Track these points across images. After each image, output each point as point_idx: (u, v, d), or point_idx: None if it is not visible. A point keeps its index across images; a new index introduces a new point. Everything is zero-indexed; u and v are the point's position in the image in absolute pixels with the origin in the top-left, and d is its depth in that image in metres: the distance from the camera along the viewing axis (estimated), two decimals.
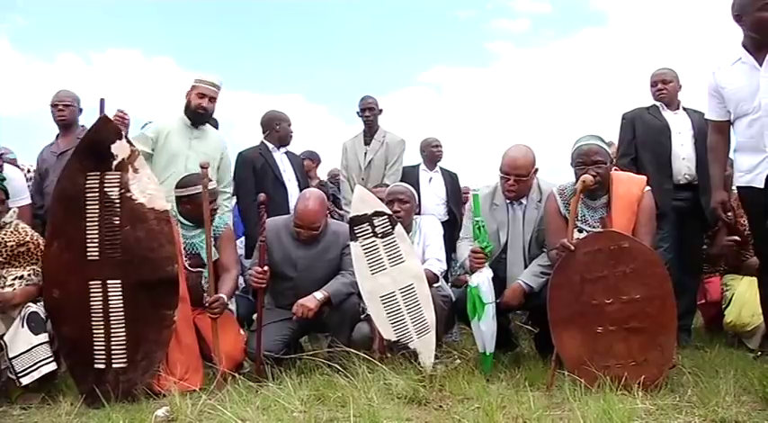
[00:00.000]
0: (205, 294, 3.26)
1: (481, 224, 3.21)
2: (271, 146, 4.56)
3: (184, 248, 3.35)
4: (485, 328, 3.11)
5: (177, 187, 3.43)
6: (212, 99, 4.11)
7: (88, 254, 2.93)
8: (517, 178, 3.36)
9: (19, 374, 2.85)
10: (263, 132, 4.63)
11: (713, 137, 3.19)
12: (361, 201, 3.25)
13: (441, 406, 2.64)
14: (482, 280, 3.12)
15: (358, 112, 5.11)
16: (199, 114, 4.10)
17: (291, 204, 4.29)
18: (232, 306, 3.52)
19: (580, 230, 3.09)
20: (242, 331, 3.54)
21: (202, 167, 3.27)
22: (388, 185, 4.19)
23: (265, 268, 3.28)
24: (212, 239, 3.29)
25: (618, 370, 2.71)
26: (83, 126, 4.14)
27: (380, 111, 5.12)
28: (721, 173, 3.17)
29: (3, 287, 3.01)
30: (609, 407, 2.32)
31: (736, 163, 3.07)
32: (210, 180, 3.41)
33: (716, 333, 4.08)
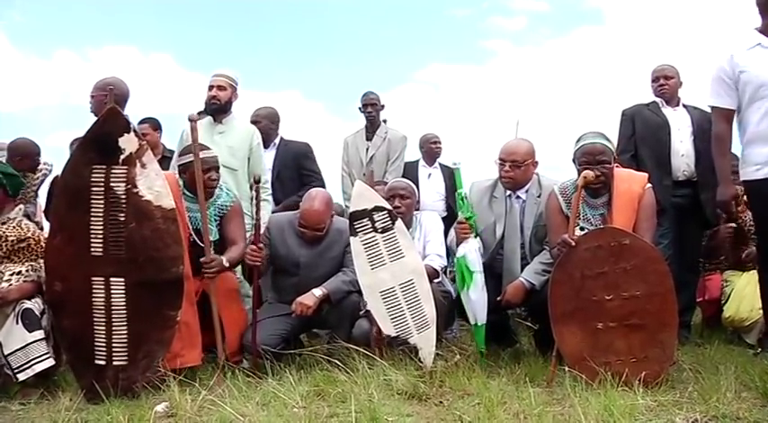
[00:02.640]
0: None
1: (464, 195, 3.22)
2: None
3: (189, 222, 3.30)
4: (474, 296, 3.13)
5: (179, 155, 3.40)
6: (221, 87, 4.07)
7: (92, 249, 2.88)
8: (512, 164, 3.38)
9: (15, 371, 2.85)
10: None
11: (721, 126, 3.03)
12: (361, 196, 3.22)
13: (441, 402, 2.63)
14: (468, 249, 3.14)
15: (360, 108, 5.10)
16: (213, 106, 4.07)
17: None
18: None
19: (581, 228, 3.08)
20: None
21: (190, 120, 3.23)
22: (383, 182, 4.17)
23: (260, 246, 3.28)
24: (218, 217, 3.31)
25: (618, 366, 2.71)
26: None
27: (382, 106, 5.12)
28: (729, 165, 3.04)
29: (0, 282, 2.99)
30: (610, 403, 2.32)
31: (749, 155, 2.93)
32: (208, 149, 3.36)
33: (715, 330, 4.08)
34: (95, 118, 3.97)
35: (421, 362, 3.02)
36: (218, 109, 4.08)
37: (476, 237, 3.25)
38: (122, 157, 2.91)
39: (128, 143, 2.92)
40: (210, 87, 4.06)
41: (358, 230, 3.14)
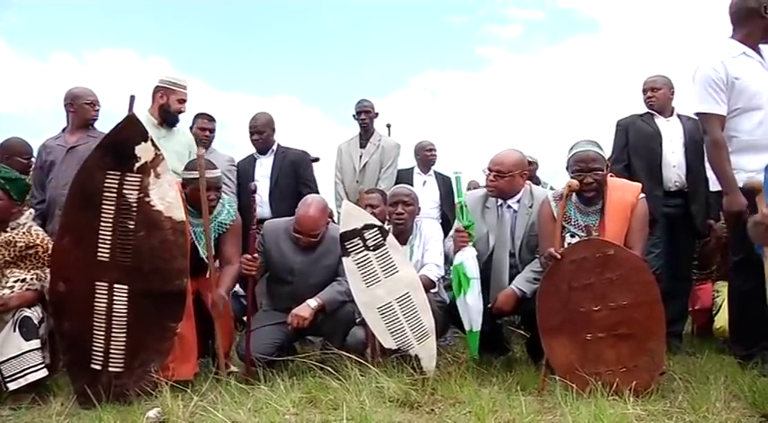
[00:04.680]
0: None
1: (463, 204, 3.22)
2: (254, 152, 4.71)
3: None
4: (471, 302, 3.14)
5: (185, 169, 3.40)
6: (186, 101, 4.20)
7: (99, 254, 2.88)
8: (496, 174, 3.41)
9: (6, 379, 2.83)
10: None
11: (718, 132, 3.01)
12: (350, 215, 3.20)
13: (432, 409, 2.65)
14: (466, 257, 3.15)
15: (354, 115, 5.13)
16: (176, 117, 4.16)
17: (260, 209, 4.38)
18: None
19: (573, 235, 3.11)
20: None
21: (198, 155, 3.28)
22: (378, 190, 4.18)
23: (255, 255, 3.29)
24: (217, 233, 3.31)
25: (608, 376, 2.72)
26: (94, 126, 4.16)
27: (376, 114, 5.15)
28: (732, 172, 2.98)
29: (2, 287, 2.97)
30: (600, 412, 2.33)
31: (740, 163, 2.97)
32: (214, 168, 3.38)
33: (706, 339, 4.10)
34: (73, 123, 4.05)
35: (414, 370, 3.00)
36: (177, 120, 4.19)
37: (473, 245, 3.26)
38: (137, 165, 2.92)
39: (144, 152, 2.92)
40: (183, 101, 4.13)
41: (350, 250, 3.12)
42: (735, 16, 3.14)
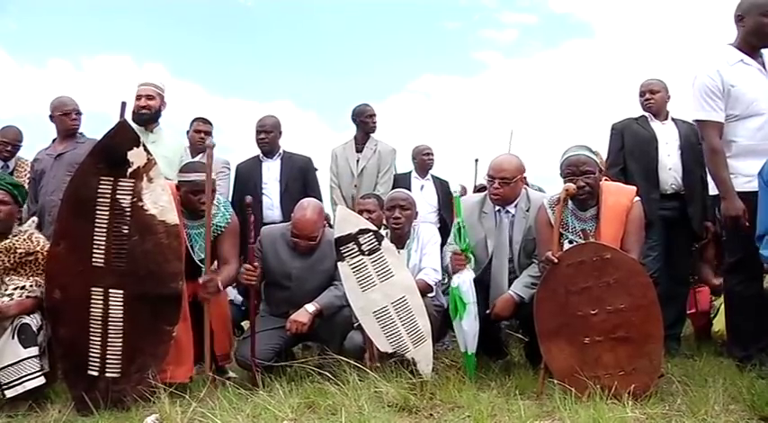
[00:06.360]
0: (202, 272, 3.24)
1: (462, 225, 3.21)
2: (260, 155, 4.68)
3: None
4: (467, 327, 3.13)
5: (179, 172, 3.39)
6: (149, 97, 4.14)
7: (93, 260, 2.89)
8: (501, 181, 3.39)
9: (4, 387, 2.82)
10: None
11: (715, 139, 3.08)
12: (345, 220, 3.20)
13: (431, 414, 2.64)
14: (463, 280, 3.14)
15: (354, 119, 5.10)
16: (142, 115, 4.11)
17: (270, 212, 4.45)
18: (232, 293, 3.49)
19: (571, 242, 3.10)
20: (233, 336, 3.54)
21: (208, 147, 3.29)
22: (374, 195, 4.18)
23: (255, 264, 3.29)
24: (212, 235, 3.27)
25: (607, 380, 2.71)
26: (81, 132, 4.16)
27: None
28: (730, 178, 3.04)
29: (2, 295, 2.95)
30: (599, 416, 2.33)
31: (739, 167, 3.01)
32: (204, 171, 3.33)
33: (705, 342, 4.10)
34: (60, 133, 4.09)
35: (413, 375, 3.00)
36: (149, 118, 4.14)
37: (472, 269, 3.25)
38: (130, 170, 2.94)
39: (136, 157, 2.94)
40: (139, 97, 4.10)
41: (345, 255, 3.12)
42: (737, 17, 3.16)
